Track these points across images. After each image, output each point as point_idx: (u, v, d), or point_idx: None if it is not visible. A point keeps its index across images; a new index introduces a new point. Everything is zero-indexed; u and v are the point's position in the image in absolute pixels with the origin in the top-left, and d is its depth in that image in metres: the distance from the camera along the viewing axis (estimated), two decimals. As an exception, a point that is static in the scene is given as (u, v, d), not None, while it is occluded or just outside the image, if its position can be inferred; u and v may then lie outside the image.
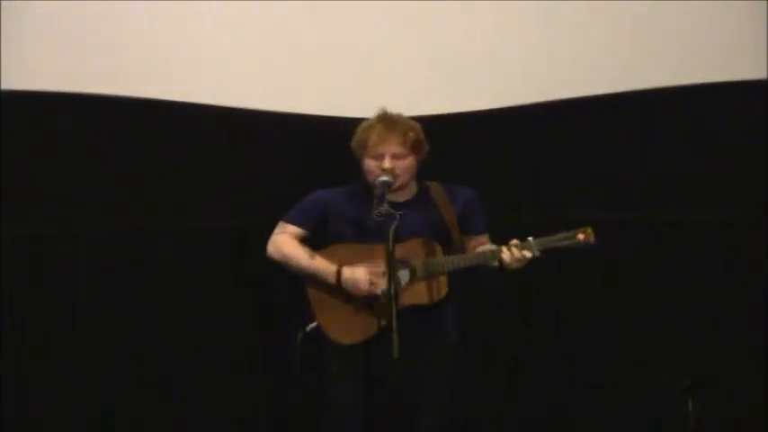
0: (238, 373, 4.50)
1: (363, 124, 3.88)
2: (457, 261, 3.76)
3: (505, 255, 3.69)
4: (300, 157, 4.56)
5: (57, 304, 4.34)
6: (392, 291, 3.49)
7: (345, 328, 3.79)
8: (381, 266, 3.68)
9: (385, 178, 3.73)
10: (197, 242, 4.49)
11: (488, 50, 4.58)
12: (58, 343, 4.33)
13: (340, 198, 3.91)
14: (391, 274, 3.51)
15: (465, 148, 4.53)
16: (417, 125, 3.88)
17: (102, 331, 4.38)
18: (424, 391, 3.75)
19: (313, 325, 3.82)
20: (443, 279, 3.76)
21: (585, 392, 4.55)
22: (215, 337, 4.48)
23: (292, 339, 3.84)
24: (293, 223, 3.90)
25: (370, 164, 3.81)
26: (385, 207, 3.58)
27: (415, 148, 3.83)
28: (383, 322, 3.66)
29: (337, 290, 3.79)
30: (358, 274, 3.75)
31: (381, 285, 3.68)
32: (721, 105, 4.46)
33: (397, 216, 3.56)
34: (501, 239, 3.80)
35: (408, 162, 3.82)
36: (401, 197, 3.83)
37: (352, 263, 3.78)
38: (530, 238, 3.70)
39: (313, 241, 3.90)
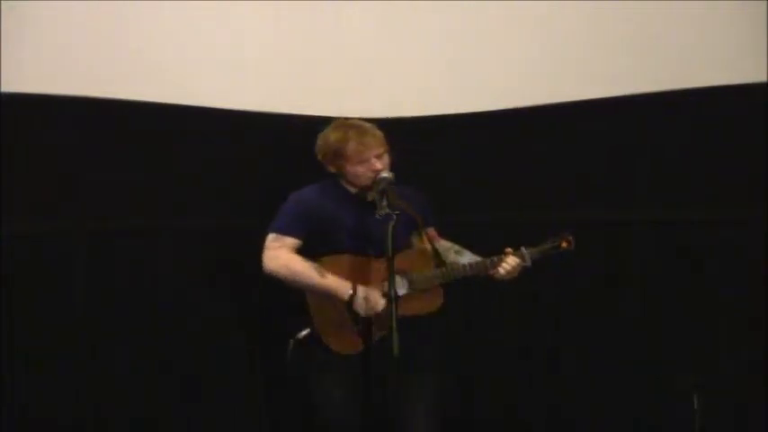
0: (238, 373, 4.51)
1: (330, 136, 3.89)
2: (458, 271, 3.79)
3: (505, 265, 3.73)
4: (301, 157, 4.55)
5: (56, 304, 4.33)
6: (392, 292, 3.51)
7: (341, 338, 3.78)
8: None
9: (385, 175, 3.78)
10: (197, 242, 4.49)
11: (490, 52, 4.58)
12: (58, 343, 4.33)
13: (324, 198, 3.91)
14: (391, 276, 3.53)
15: (465, 148, 4.53)
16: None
17: (101, 331, 4.37)
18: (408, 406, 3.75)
19: (305, 332, 3.79)
20: (439, 289, 3.79)
21: (587, 392, 4.55)
22: (215, 338, 4.48)
23: (286, 346, 3.83)
24: (290, 235, 3.85)
25: (358, 170, 3.83)
26: (384, 207, 3.60)
27: (387, 145, 3.88)
28: (377, 337, 3.73)
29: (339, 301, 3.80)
30: (379, 301, 3.74)
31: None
32: (722, 107, 4.46)
33: (394, 216, 3.57)
34: (503, 240, 3.82)
35: (388, 159, 3.87)
36: (370, 195, 3.85)
37: (352, 278, 3.78)
38: (522, 248, 3.74)
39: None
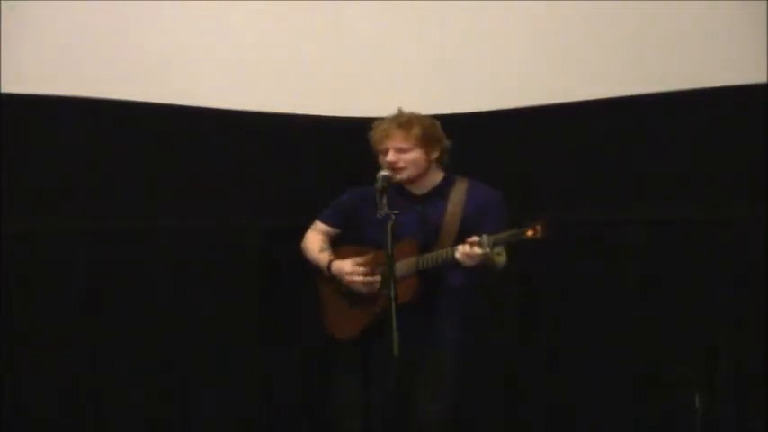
0: (238, 373, 4.51)
1: (374, 123, 3.91)
2: (413, 263, 3.77)
3: (458, 252, 3.66)
4: (301, 157, 4.57)
5: (56, 304, 4.34)
6: (392, 291, 3.50)
7: (340, 324, 3.87)
8: (367, 261, 3.83)
9: (384, 173, 3.74)
10: (197, 242, 4.50)
11: (490, 52, 4.58)
12: (57, 343, 4.33)
13: (369, 198, 3.92)
14: (391, 274, 3.52)
15: (465, 148, 4.53)
16: (428, 121, 3.87)
17: (101, 331, 4.38)
18: (419, 393, 3.77)
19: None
20: (410, 281, 3.75)
21: (587, 392, 4.55)
22: (215, 338, 4.48)
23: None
24: (322, 220, 4.03)
25: (380, 159, 3.84)
26: (383, 206, 3.59)
27: (421, 141, 3.82)
28: (371, 316, 3.78)
29: (340, 286, 3.87)
30: (344, 267, 3.86)
31: (362, 278, 3.82)
32: (722, 107, 4.45)
33: (393, 216, 3.55)
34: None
35: (414, 155, 3.83)
36: (418, 190, 3.88)
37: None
38: (484, 235, 3.66)
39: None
